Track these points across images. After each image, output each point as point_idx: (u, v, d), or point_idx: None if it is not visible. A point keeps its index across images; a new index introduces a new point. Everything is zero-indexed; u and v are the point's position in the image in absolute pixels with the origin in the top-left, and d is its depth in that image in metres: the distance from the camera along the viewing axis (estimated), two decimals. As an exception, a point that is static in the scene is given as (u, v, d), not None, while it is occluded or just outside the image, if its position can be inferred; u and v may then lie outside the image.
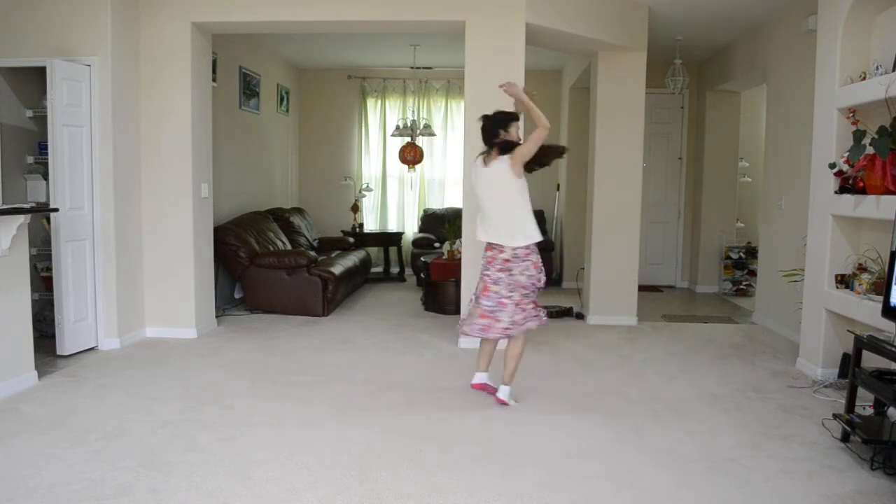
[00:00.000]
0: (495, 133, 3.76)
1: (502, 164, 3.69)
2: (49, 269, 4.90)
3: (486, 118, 3.82)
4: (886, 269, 3.30)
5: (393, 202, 9.21)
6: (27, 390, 3.94)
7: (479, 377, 4.00)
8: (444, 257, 6.74)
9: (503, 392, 3.82)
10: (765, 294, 6.16)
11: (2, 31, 4.76)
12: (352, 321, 6.06)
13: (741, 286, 7.67)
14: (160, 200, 5.26)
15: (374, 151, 9.13)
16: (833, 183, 4.24)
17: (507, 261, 3.70)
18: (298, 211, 8.33)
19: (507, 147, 3.72)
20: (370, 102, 9.04)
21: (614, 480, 2.90)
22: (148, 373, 4.38)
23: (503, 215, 3.75)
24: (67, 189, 4.63)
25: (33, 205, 4.28)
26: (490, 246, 3.79)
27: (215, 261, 5.86)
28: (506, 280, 3.71)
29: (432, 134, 8.46)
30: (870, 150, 3.82)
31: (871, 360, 3.62)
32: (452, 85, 8.83)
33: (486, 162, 3.76)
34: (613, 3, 5.63)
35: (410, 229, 9.14)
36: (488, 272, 3.78)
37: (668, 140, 8.16)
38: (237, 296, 6.76)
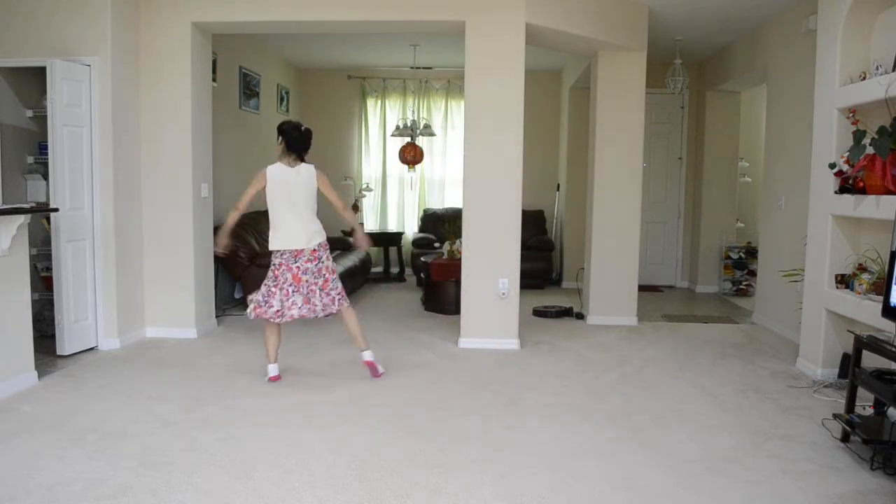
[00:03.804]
0: (307, 147, 4.20)
1: (311, 171, 4.16)
2: (49, 269, 4.90)
3: (307, 130, 4.20)
4: (886, 269, 3.30)
5: (393, 202, 9.21)
6: (27, 390, 3.95)
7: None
8: (444, 257, 6.73)
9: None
10: (765, 294, 6.15)
11: (2, 32, 4.76)
12: (352, 321, 6.06)
13: (741, 286, 7.68)
14: (160, 200, 5.26)
15: (374, 151, 9.14)
16: (833, 183, 4.24)
17: (314, 251, 4.16)
18: (298, 211, 8.31)
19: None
20: (370, 102, 9.04)
21: (614, 480, 2.90)
22: (148, 373, 4.38)
23: (308, 217, 4.17)
24: (67, 189, 4.63)
25: (33, 205, 4.28)
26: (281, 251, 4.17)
27: (215, 261, 5.86)
28: (313, 269, 4.16)
29: (432, 134, 8.45)
30: (870, 150, 3.82)
31: (871, 360, 3.62)
32: (452, 85, 8.83)
33: (291, 165, 4.14)
34: (613, 4, 5.62)
35: (410, 229, 9.14)
36: (296, 264, 4.14)
37: (668, 140, 8.16)
38: (237, 296, 6.76)
